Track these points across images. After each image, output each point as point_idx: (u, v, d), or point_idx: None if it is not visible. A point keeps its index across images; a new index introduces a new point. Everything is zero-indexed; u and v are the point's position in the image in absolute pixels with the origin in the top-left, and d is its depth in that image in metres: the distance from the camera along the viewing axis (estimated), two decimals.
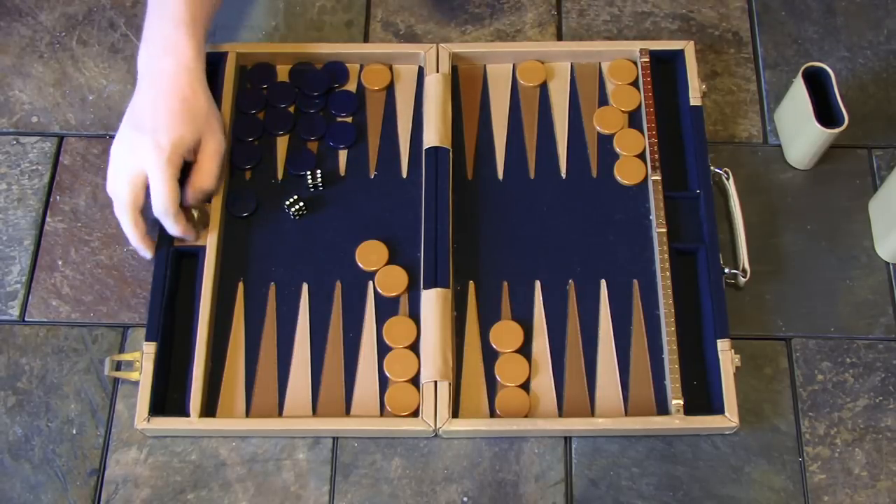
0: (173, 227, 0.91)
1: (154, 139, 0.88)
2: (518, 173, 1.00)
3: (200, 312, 0.91)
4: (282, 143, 1.01)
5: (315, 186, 0.98)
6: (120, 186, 0.89)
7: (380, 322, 0.93)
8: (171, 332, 0.92)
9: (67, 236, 0.98)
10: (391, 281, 0.94)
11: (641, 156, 1.00)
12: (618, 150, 1.00)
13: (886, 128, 1.03)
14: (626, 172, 0.99)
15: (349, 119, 1.02)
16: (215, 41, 1.07)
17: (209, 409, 0.89)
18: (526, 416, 0.89)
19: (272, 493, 0.87)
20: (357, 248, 0.96)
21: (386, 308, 0.94)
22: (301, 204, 0.97)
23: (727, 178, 0.98)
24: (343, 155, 1.01)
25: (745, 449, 0.89)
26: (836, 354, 0.93)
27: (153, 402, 0.88)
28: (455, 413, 0.89)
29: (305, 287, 0.95)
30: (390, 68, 1.04)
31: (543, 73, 1.04)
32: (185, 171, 0.92)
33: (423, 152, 0.98)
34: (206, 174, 0.92)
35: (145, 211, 0.91)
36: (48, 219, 0.99)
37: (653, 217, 0.96)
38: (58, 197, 1.00)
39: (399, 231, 0.97)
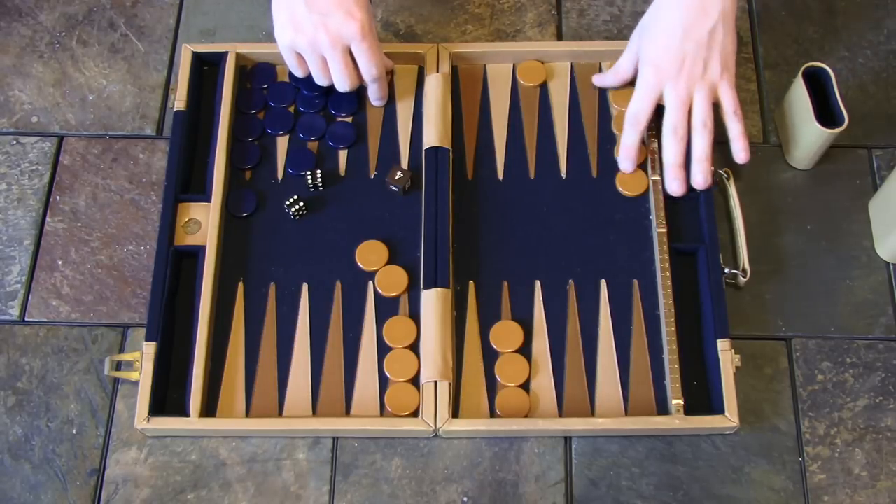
0: (380, 91, 1.00)
1: (347, 12, 0.92)
2: (518, 173, 1.00)
3: (200, 312, 0.91)
4: (282, 143, 1.01)
5: (315, 186, 0.98)
6: (339, 61, 0.95)
7: (380, 322, 0.93)
8: (171, 332, 0.92)
9: (67, 236, 0.98)
10: (391, 281, 0.94)
11: (642, 165, 0.99)
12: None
13: (886, 128, 1.03)
14: (627, 180, 0.98)
15: (349, 119, 1.02)
16: (215, 41, 1.07)
17: (209, 409, 0.89)
18: (526, 416, 0.89)
19: (272, 493, 0.87)
20: (357, 248, 0.96)
21: (386, 308, 0.94)
22: (301, 204, 0.97)
23: (727, 178, 0.98)
24: (343, 155, 1.01)
25: (745, 449, 0.89)
26: (836, 354, 0.93)
27: (153, 402, 0.88)
28: (455, 413, 0.89)
29: (305, 287, 0.95)
30: None
31: (543, 73, 1.04)
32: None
33: (423, 152, 0.98)
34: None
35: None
36: (48, 219, 0.99)
37: (653, 217, 0.96)
38: (58, 197, 1.00)
39: (399, 231, 0.97)
